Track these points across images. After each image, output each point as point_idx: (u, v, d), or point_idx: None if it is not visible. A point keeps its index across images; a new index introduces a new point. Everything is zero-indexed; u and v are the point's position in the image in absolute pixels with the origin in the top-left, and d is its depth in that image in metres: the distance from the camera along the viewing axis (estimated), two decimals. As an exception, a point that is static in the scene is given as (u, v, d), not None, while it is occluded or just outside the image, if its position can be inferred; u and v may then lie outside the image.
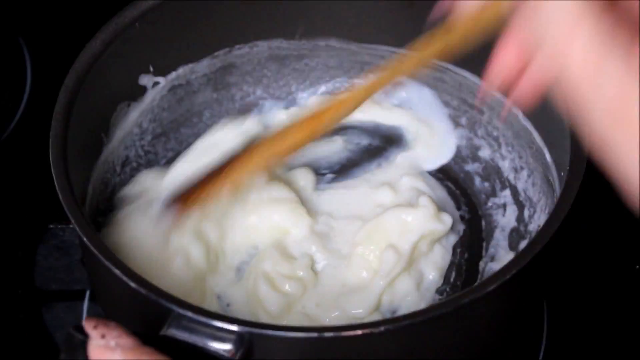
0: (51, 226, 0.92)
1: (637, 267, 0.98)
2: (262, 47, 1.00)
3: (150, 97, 0.97)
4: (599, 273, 0.97)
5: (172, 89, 0.98)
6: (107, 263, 0.77)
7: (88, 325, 0.70)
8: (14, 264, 0.98)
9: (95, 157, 0.93)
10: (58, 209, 0.91)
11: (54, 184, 0.82)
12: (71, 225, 0.88)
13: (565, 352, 0.93)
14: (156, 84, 0.97)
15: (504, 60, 0.72)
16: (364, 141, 1.02)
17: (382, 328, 0.73)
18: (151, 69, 0.96)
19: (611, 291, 0.97)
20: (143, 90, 0.97)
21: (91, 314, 0.95)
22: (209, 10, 0.95)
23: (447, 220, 0.93)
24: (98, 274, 0.83)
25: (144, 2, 0.92)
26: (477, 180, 0.99)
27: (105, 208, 0.94)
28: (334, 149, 1.01)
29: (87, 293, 0.96)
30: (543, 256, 0.78)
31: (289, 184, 0.96)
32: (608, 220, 0.99)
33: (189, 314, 0.73)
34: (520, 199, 0.95)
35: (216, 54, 0.99)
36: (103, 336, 0.69)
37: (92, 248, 0.78)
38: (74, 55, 0.89)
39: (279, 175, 0.97)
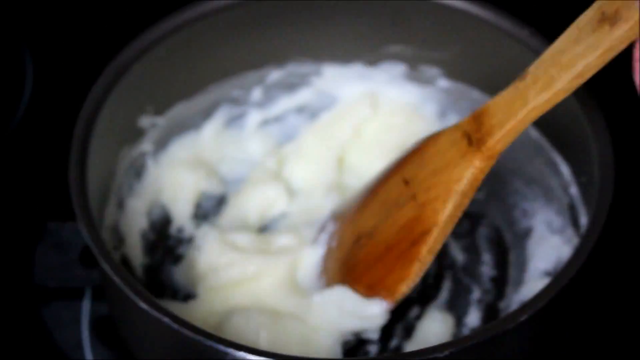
0: (49, 224, 0.93)
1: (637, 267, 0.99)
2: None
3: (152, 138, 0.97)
4: (599, 273, 0.97)
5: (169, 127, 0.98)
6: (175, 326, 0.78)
7: None
8: (12, 262, 0.98)
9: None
10: (56, 207, 0.95)
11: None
12: (70, 223, 0.91)
13: (566, 352, 0.94)
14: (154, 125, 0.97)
15: None
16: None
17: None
18: (149, 109, 0.95)
19: (611, 291, 0.97)
20: (140, 132, 0.96)
21: (94, 313, 0.96)
22: (201, 45, 0.95)
23: None
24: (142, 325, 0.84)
25: (140, 42, 0.92)
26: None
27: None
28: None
29: (88, 292, 0.96)
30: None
31: None
32: (609, 220, 0.95)
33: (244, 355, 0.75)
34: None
35: (209, 88, 0.99)
36: None
37: (154, 313, 0.78)
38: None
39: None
